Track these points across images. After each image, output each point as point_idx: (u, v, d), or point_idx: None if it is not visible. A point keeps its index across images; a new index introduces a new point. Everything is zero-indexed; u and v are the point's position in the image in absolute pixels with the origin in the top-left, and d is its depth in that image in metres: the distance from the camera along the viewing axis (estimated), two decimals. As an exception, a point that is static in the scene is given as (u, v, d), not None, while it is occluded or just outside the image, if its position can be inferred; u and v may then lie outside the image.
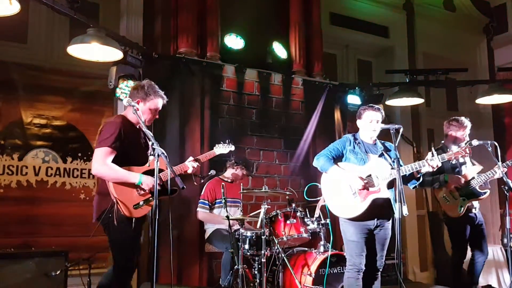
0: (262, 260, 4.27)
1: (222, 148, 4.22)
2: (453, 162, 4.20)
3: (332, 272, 4.52)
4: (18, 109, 4.86)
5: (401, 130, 3.56)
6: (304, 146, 5.98)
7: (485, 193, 4.68)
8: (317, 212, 4.73)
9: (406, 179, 3.82)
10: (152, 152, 3.22)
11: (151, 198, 3.28)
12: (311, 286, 4.38)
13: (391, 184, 3.73)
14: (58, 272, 4.07)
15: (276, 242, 4.45)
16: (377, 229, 3.82)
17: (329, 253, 4.47)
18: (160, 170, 3.40)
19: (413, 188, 4.04)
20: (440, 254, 6.86)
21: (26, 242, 4.62)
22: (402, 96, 6.26)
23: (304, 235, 4.59)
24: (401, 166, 3.57)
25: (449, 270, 4.89)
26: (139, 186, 3.30)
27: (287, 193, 4.82)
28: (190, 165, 3.67)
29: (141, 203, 3.28)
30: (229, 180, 5.01)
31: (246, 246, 4.36)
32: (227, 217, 4.30)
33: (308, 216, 4.79)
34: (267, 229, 4.43)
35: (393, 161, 3.68)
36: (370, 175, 3.77)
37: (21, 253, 4.12)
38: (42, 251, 4.22)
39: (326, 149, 3.98)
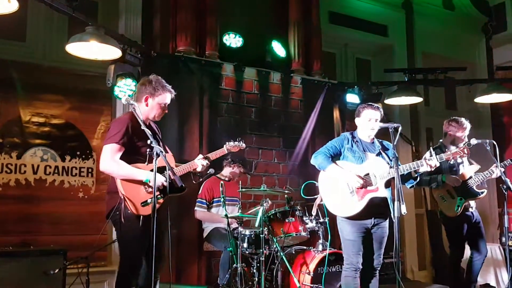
0: (261, 258, 4.27)
1: (232, 146, 4.11)
2: (451, 162, 4.22)
3: (330, 270, 4.52)
4: (17, 108, 4.84)
5: (399, 129, 3.55)
6: (303, 145, 5.98)
7: (482, 192, 4.68)
8: (314, 210, 4.74)
9: (404, 178, 3.83)
10: (151, 151, 3.19)
11: (159, 196, 3.26)
12: (309, 284, 4.39)
13: (388, 183, 3.74)
14: (56, 271, 4.06)
15: (275, 240, 4.45)
16: (374, 228, 3.83)
17: (327, 251, 4.48)
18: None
19: (410, 187, 4.05)
20: (439, 253, 6.87)
21: (24, 241, 4.61)
22: (401, 95, 6.25)
23: (303, 233, 4.59)
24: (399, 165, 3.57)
25: (447, 269, 4.89)
26: (147, 184, 3.29)
27: (286, 191, 4.82)
28: (199, 163, 3.62)
29: (149, 200, 3.23)
30: (227, 179, 5.01)
31: (245, 245, 4.36)
32: (226, 215, 4.31)
33: (307, 214, 4.79)
34: (266, 228, 4.44)
35: (391, 160, 3.68)
36: (368, 174, 3.78)
37: (19, 252, 4.11)
38: (41, 249, 4.21)
39: (324, 147, 3.97)
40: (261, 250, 4.28)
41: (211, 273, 5.15)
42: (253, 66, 5.79)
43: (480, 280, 6.17)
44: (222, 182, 4.56)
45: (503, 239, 6.76)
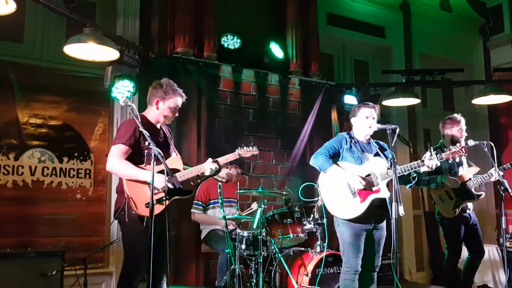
0: (259, 260, 4.27)
1: (244, 151, 3.91)
2: (450, 162, 4.22)
3: (328, 272, 4.52)
4: (14, 109, 4.83)
5: (397, 130, 3.55)
6: (301, 146, 5.99)
7: (480, 195, 4.70)
8: (316, 214, 4.73)
9: (403, 179, 3.83)
10: (154, 153, 3.19)
11: (164, 198, 3.25)
12: (307, 286, 4.39)
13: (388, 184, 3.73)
14: (54, 272, 4.05)
15: (273, 242, 4.45)
16: (373, 230, 3.81)
17: (325, 253, 4.47)
18: (176, 170, 3.44)
19: (408, 187, 4.05)
20: (436, 254, 6.88)
21: (22, 242, 4.60)
22: (398, 96, 6.27)
23: (301, 235, 4.59)
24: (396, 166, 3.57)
25: (444, 270, 4.91)
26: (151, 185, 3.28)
27: (284, 193, 4.82)
28: (208, 167, 3.56)
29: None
30: (224, 180, 5.00)
31: (243, 246, 4.36)
32: (224, 217, 4.30)
33: (305, 216, 4.79)
34: (264, 229, 4.43)
35: (389, 161, 3.68)
36: (369, 175, 3.75)
37: (17, 253, 4.10)
38: (38, 251, 4.20)
39: (323, 148, 3.91)
40: (259, 252, 4.28)
41: (209, 275, 5.14)
42: (251, 67, 5.79)
43: (478, 281, 6.19)
44: (220, 183, 4.55)
45: (501, 240, 6.77)
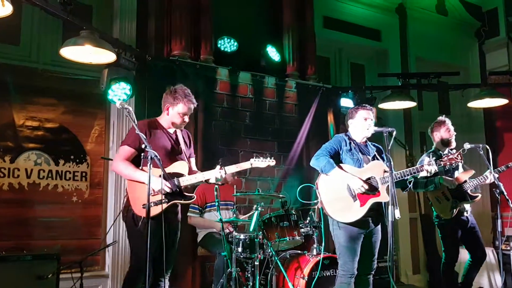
0: (255, 263, 4.26)
1: (260, 162, 3.66)
2: (446, 168, 4.25)
3: (325, 274, 4.52)
4: (10, 111, 4.82)
5: (394, 133, 3.56)
6: (298, 149, 5.99)
7: (476, 197, 4.71)
8: (316, 217, 4.73)
9: (400, 183, 3.84)
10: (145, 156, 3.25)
11: (162, 200, 3.30)
12: (304, 289, 4.38)
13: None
14: (50, 275, 4.04)
15: (269, 245, 4.45)
16: (369, 233, 3.81)
17: (322, 255, 4.47)
18: (180, 175, 3.49)
19: (404, 192, 4.06)
20: (433, 257, 6.89)
21: (18, 245, 4.57)
22: (394, 99, 6.29)
23: (297, 238, 4.59)
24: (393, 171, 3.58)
25: (441, 273, 4.92)
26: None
27: (281, 196, 4.82)
28: (214, 175, 3.54)
29: (151, 204, 3.22)
30: (220, 183, 4.98)
31: (239, 249, 4.35)
32: (221, 220, 4.29)
33: (302, 219, 4.79)
34: (260, 232, 4.43)
35: (385, 164, 3.69)
36: (369, 178, 3.75)
37: (12, 256, 4.07)
38: (34, 254, 4.17)
39: (323, 149, 3.86)
40: (255, 255, 4.28)
41: (206, 278, 5.14)
42: (247, 70, 5.80)
43: (474, 284, 6.19)
44: (216, 186, 4.53)
45: (497, 243, 6.79)
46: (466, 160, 4.63)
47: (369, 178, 3.74)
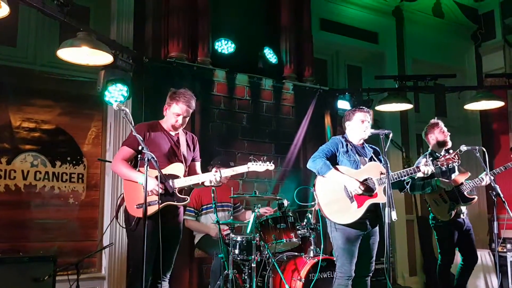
0: (252, 265, 4.26)
1: (257, 166, 3.59)
2: (443, 169, 4.26)
3: (322, 276, 4.51)
4: (7, 113, 4.81)
5: (390, 135, 3.57)
6: (295, 151, 6.00)
7: (472, 199, 4.73)
8: (314, 219, 4.72)
9: (397, 184, 3.84)
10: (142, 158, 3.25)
11: (156, 201, 3.32)
12: (301, 291, 4.38)
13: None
14: (46, 277, 4.02)
15: (266, 247, 4.44)
16: (367, 235, 3.81)
17: (320, 257, 4.47)
18: (175, 176, 3.50)
19: (402, 193, 4.07)
20: (429, 259, 6.90)
21: (14, 247, 4.57)
22: (391, 101, 6.30)
23: (294, 240, 4.58)
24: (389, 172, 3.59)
25: (437, 275, 4.93)
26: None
27: (278, 197, 4.82)
28: (208, 178, 3.50)
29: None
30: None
31: (236, 251, 4.35)
32: (217, 222, 4.29)
33: (299, 220, 4.79)
34: (257, 234, 4.43)
35: (382, 165, 3.70)
36: (366, 179, 3.75)
37: (8, 258, 4.06)
38: (30, 256, 4.17)
39: (320, 151, 3.86)
40: (252, 257, 4.27)
41: (203, 280, 5.13)
42: (245, 72, 5.80)
43: (470, 286, 6.20)
44: (213, 188, 4.53)
45: (493, 245, 6.80)
46: (462, 162, 4.63)
47: (366, 179, 3.74)
